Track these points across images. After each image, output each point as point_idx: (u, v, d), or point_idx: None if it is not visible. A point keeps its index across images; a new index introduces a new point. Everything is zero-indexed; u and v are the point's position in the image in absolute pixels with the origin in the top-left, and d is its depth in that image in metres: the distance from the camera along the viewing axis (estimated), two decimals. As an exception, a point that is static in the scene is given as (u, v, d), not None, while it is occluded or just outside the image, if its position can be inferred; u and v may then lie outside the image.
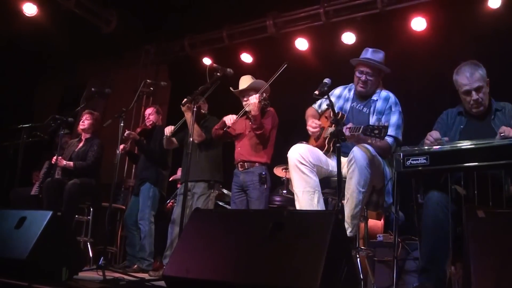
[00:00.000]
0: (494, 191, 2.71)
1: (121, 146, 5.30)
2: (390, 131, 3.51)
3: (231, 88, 4.75)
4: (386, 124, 3.19)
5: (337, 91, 3.93)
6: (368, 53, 3.78)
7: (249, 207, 4.47)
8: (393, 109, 3.55)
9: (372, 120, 3.59)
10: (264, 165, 4.59)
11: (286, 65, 4.39)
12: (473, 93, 3.15)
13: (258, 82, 4.66)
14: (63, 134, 5.13)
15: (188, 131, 4.52)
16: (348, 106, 3.80)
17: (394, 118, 3.55)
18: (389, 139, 3.51)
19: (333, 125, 3.34)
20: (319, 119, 3.86)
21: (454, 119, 3.34)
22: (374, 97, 3.72)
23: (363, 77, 3.71)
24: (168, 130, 5.09)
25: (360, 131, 3.26)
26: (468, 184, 2.83)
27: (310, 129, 3.69)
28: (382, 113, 3.63)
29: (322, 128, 3.73)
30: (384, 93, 3.75)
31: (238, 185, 4.61)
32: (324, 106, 3.99)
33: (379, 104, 3.64)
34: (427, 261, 2.89)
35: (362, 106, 3.73)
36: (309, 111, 4.05)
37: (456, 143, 2.85)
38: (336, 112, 3.71)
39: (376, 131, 3.14)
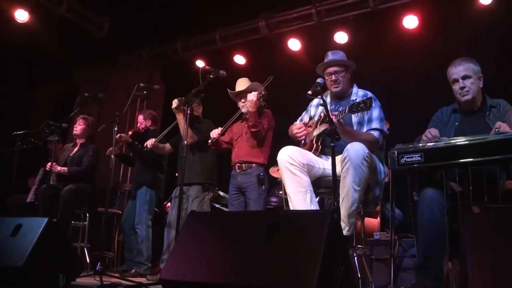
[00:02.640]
0: (489, 187, 2.72)
1: (109, 150, 5.32)
2: (375, 125, 3.59)
3: (228, 90, 4.77)
4: (369, 96, 3.30)
5: (315, 101, 4.02)
6: (329, 56, 3.91)
7: (248, 208, 4.47)
8: (373, 105, 3.56)
9: (355, 118, 3.67)
10: (261, 166, 4.60)
11: (271, 78, 4.46)
12: (460, 80, 3.22)
13: (255, 84, 4.65)
14: (56, 141, 5.09)
15: (181, 135, 4.54)
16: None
17: (376, 112, 3.62)
18: (375, 133, 3.58)
19: (327, 125, 3.35)
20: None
21: (449, 117, 3.36)
22: (353, 97, 3.80)
23: (333, 77, 3.81)
24: (149, 143, 5.17)
25: (347, 111, 3.33)
26: (463, 180, 2.84)
27: (295, 131, 3.80)
28: None
29: (307, 135, 3.81)
30: (361, 92, 3.84)
31: (236, 186, 4.61)
32: (306, 118, 4.07)
33: None
34: (423, 258, 2.90)
35: (342, 107, 3.76)
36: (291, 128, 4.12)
37: (451, 139, 2.86)
38: (318, 115, 3.82)
39: (362, 105, 3.23)
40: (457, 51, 5.17)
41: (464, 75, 3.20)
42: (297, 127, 3.82)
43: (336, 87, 3.81)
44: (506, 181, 2.90)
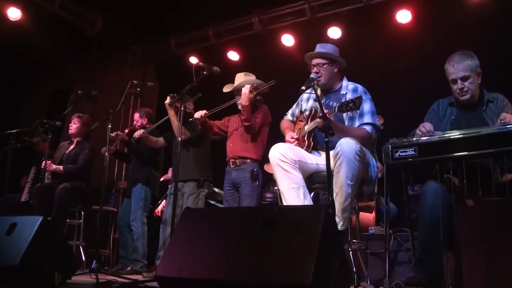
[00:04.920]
0: (483, 180, 2.72)
1: (103, 149, 5.36)
2: (367, 119, 3.57)
3: (224, 90, 4.76)
4: (358, 96, 3.27)
5: (305, 95, 3.99)
6: (316, 48, 3.88)
7: (241, 204, 4.46)
8: (363, 98, 3.54)
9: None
10: (255, 161, 4.59)
11: (274, 82, 4.49)
12: (459, 81, 3.17)
13: (250, 80, 4.64)
14: (50, 139, 5.06)
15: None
16: (317, 104, 3.83)
17: (367, 106, 3.58)
18: (367, 127, 3.56)
19: (319, 120, 3.34)
20: (294, 127, 3.97)
21: (445, 110, 3.34)
22: (343, 91, 3.77)
23: (315, 69, 3.78)
24: (137, 133, 5.24)
25: (336, 110, 3.33)
26: (457, 174, 2.85)
27: (288, 139, 3.77)
28: None
29: (298, 131, 3.80)
30: (351, 85, 3.80)
31: (230, 182, 4.60)
32: (297, 112, 4.07)
33: (349, 96, 3.66)
34: (422, 252, 2.88)
35: (331, 101, 3.77)
36: (284, 124, 4.14)
37: (445, 133, 2.86)
38: (309, 110, 3.81)
39: (351, 104, 3.22)
40: (450, 44, 5.18)
41: (463, 76, 3.15)
42: (291, 136, 3.79)
43: (320, 79, 3.75)
44: (507, 174, 2.90)
